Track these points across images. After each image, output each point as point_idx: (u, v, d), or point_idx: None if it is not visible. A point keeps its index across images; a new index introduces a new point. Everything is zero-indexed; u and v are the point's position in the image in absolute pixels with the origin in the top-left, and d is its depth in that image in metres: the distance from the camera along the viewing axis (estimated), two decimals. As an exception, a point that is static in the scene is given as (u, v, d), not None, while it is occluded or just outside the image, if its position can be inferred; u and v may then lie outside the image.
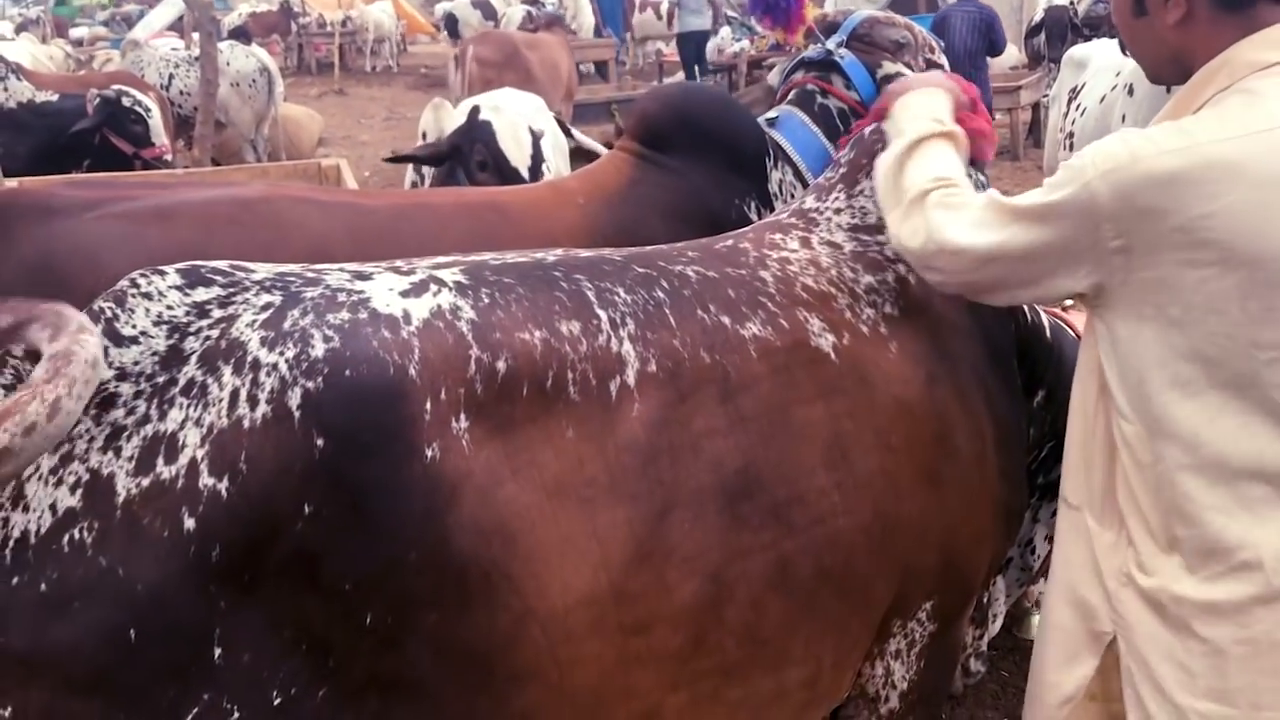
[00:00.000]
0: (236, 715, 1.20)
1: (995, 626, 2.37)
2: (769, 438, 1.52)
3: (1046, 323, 2.11)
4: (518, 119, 4.12)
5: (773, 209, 2.72)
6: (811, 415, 1.57)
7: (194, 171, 5.47)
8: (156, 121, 5.80)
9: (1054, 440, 2.10)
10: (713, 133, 2.73)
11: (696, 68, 12.41)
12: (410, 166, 4.60)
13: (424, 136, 4.36)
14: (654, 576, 1.39)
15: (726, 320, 1.57)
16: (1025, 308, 2.04)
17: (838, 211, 1.91)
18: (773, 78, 3.27)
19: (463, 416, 1.30)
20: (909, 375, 1.69)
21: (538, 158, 4.03)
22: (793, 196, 2.78)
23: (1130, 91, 4.56)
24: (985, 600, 2.24)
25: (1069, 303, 1.83)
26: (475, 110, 4.01)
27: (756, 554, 1.47)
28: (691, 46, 12.92)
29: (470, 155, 3.76)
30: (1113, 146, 1.40)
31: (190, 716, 1.18)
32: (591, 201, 2.61)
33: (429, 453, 1.27)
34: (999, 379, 1.86)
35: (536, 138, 4.13)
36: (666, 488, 1.41)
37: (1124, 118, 4.55)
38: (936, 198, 1.58)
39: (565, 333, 1.42)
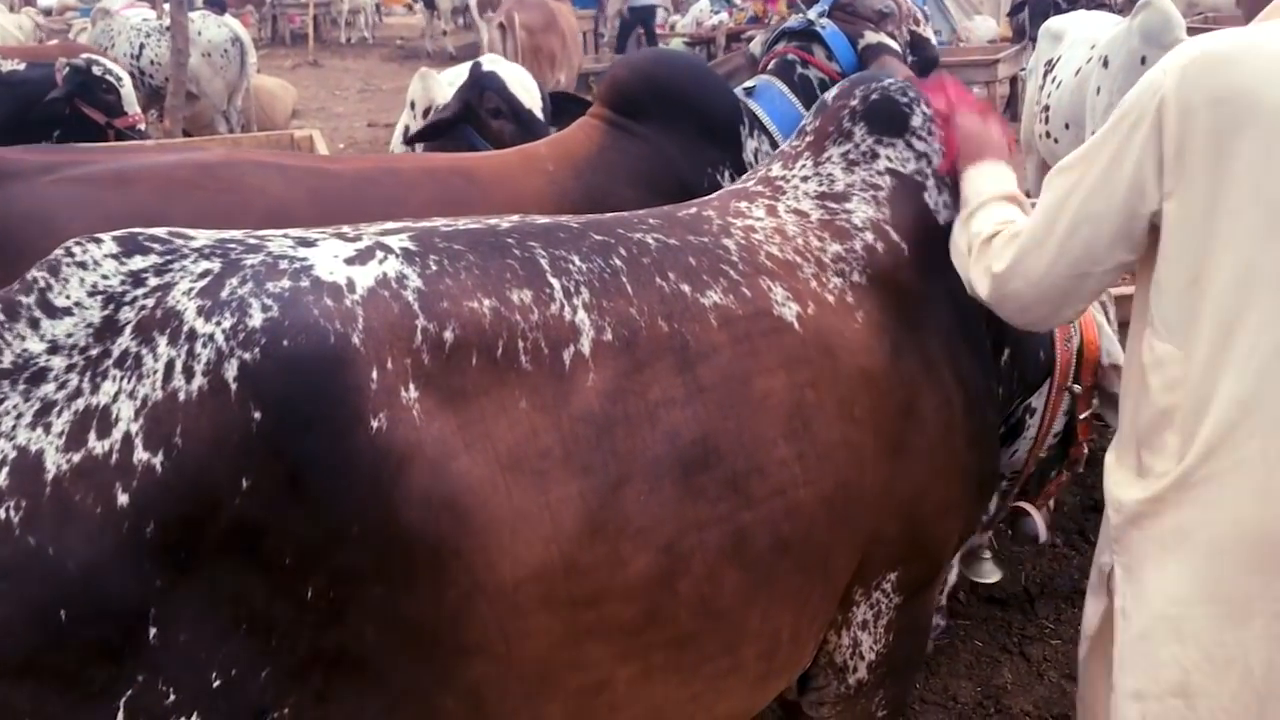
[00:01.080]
0: (173, 698, 1.17)
1: (951, 576, 2.39)
2: (728, 408, 1.49)
3: None
4: (519, 72, 4.06)
5: None
6: (772, 385, 1.55)
7: (165, 143, 5.39)
8: (129, 90, 5.70)
9: (1024, 396, 2.11)
10: (685, 100, 2.70)
11: (641, 38, 12.49)
12: (397, 137, 4.52)
13: (412, 106, 4.27)
14: (607, 549, 1.37)
15: (686, 288, 1.54)
16: None
17: (805, 179, 1.89)
18: (755, 48, 3.25)
19: (411, 387, 1.27)
20: (874, 345, 1.68)
21: (546, 109, 3.94)
22: None
23: (1105, 64, 4.55)
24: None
25: None
26: (476, 65, 3.94)
27: (713, 526, 1.45)
28: (636, 19, 13.06)
29: (481, 105, 3.62)
30: (1180, 48, 1.49)
31: (124, 699, 1.16)
32: (560, 168, 2.58)
33: (375, 424, 1.23)
34: (969, 347, 1.84)
35: (542, 93, 4.07)
36: (621, 459, 1.39)
37: (1099, 90, 4.55)
38: (998, 239, 1.67)
39: (516, 301, 1.39)
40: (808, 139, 1.96)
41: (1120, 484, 1.60)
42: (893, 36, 2.92)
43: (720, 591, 1.47)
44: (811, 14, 2.93)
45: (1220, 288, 1.43)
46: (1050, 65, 5.31)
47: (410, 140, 3.97)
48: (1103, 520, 1.70)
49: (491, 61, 4.04)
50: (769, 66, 2.99)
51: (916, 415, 1.71)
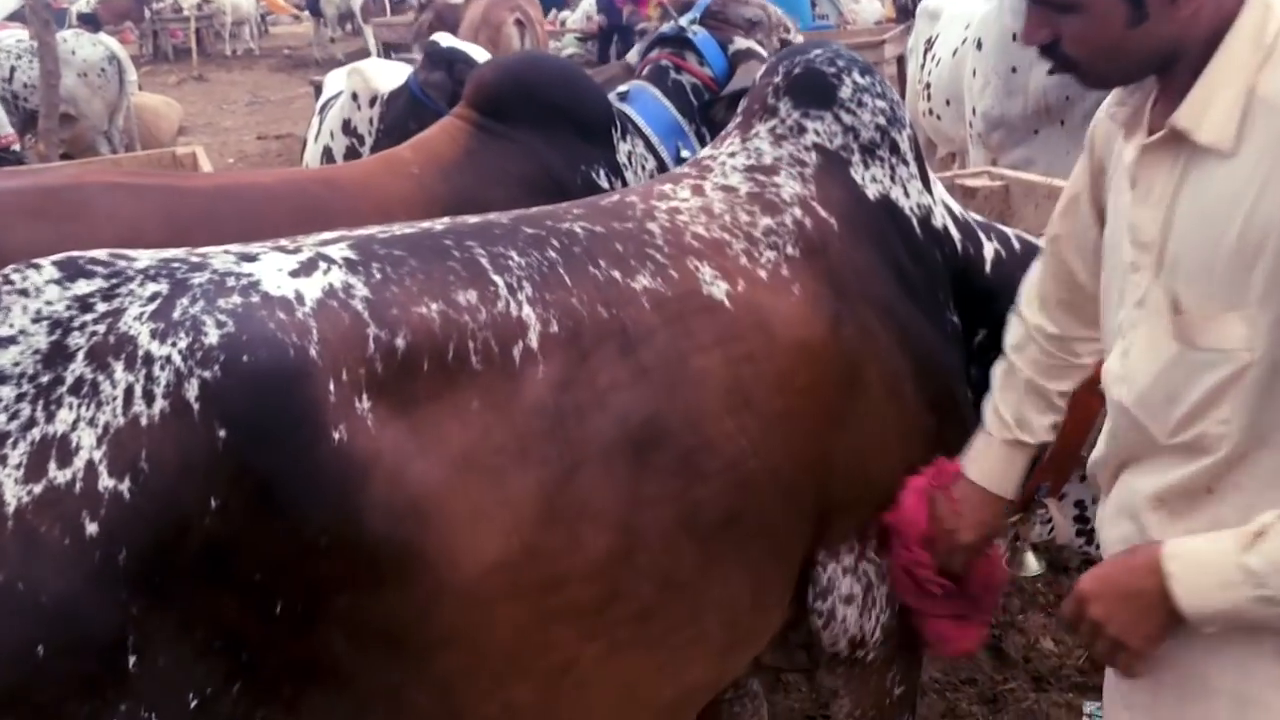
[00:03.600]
0: None
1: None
2: (671, 388, 1.53)
3: (989, 258, 2.05)
4: (478, 51, 4.06)
5: (624, 179, 2.74)
6: (709, 363, 1.58)
7: (39, 167, 5.25)
8: (1, 112, 5.52)
9: None
10: (553, 100, 2.72)
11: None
12: (309, 144, 4.47)
13: (355, 98, 4.22)
14: (567, 534, 1.41)
15: (617, 275, 1.57)
16: (960, 245, 2.01)
17: (732, 155, 1.89)
18: (632, 57, 3.33)
19: (365, 397, 1.29)
20: (811, 317, 1.70)
21: None
22: (643, 169, 2.82)
23: (979, 46, 4.71)
24: None
25: None
26: (432, 43, 3.94)
27: (667, 503, 1.49)
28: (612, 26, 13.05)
29: (453, 77, 3.62)
30: None
31: None
32: (427, 172, 2.57)
33: (336, 435, 1.25)
34: (918, 314, 1.85)
35: None
36: (575, 446, 1.42)
37: (974, 71, 4.72)
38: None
39: (463, 302, 1.41)
40: (736, 120, 1.97)
41: None
42: (762, 44, 3.03)
43: (679, 565, 1.51)
44: (684, 20, 3.03)
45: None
46: (929, 44, 5.48)
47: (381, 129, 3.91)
48: None
49: (445, 39, 4.05)
50: (643, 73, 3.08)
51: (860, 384, 1.72)
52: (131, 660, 1.15)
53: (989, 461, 1.70)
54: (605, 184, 2.70)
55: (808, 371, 1.67)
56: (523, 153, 2.65)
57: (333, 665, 1.27)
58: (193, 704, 1.19)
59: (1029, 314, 1.70)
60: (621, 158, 2.79)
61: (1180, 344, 1.31)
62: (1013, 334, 1.72)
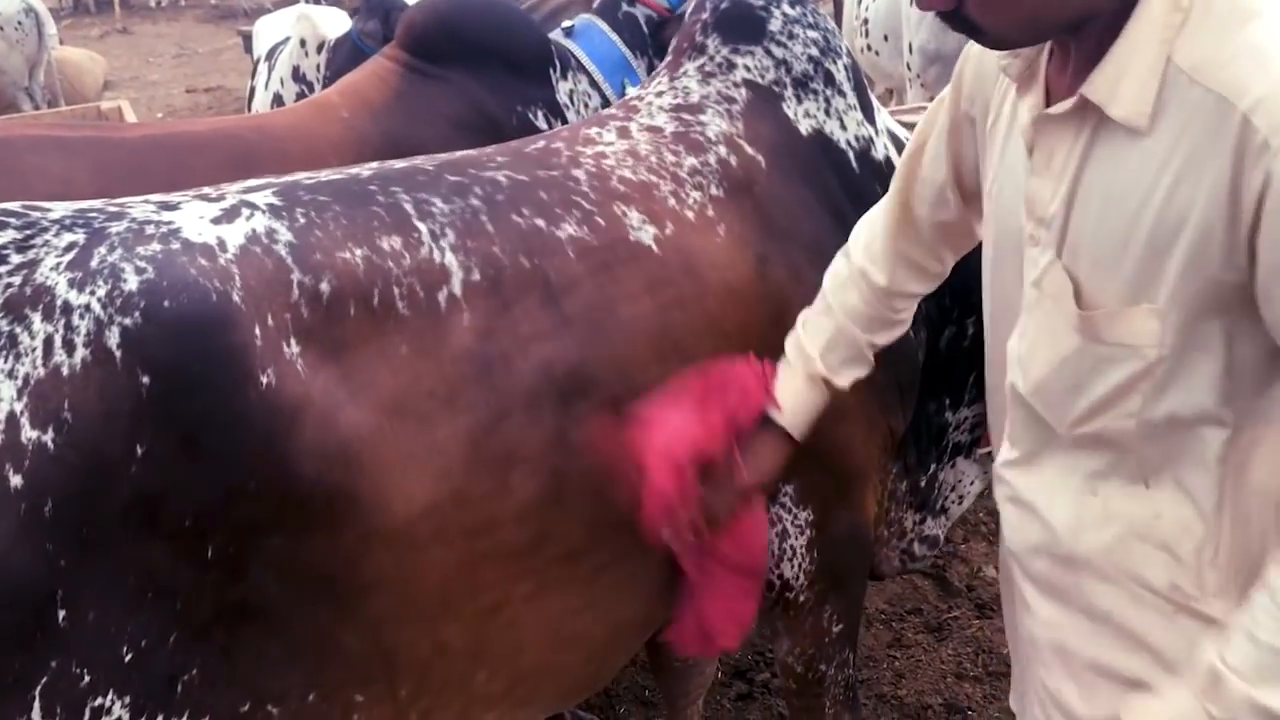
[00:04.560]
0: (87, 679, 1.16)
1: (945, 517, 2.25)
2: (596, 336, 1.53)
3: None
4: None
5: (563, 118, 2.72)
6: (638, 310, 1.58)
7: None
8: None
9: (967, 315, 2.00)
10: (484, 40, 2.68)
11: None
12: (258, 92, 4.38)
13: (303, 44, 4.13)
14: (495, 480, 1.41)
15: (541, 223, 1.57)
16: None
17: (659, 94, 1.87)
18: None
19: (293, 342, 1.29)
20: (737, 259, 1.69)
21: None
22: (586, 106, 2.78)
23: (917, -24, 4.72)
24: (927, 484, 2.17)
25: None
26: None
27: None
28: None
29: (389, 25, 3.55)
30: None
31: (39, 688, 1.13)
32: (356, 115, 2.55)
33: (263, 380, 1.25)
34: None
35: None
36: (501, 394, 1.43)
37: (911, 4, 4.73)
38: None
39: (387, 248, 1.41)
40: (667, 60, 1.94)
41: None
42: None
43: (607, 507, 1.52)
44: None
45: None
46: (867, -20, 5.48)
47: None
48: None
49: None
50: (594, 6, 3.02)
51: (788, 324, 1.66)
52: (61, 614, 1.14)
53: (785, 394, 1.56)
54: (543, 124, 2.67)
55: (735, 315, 1.67)
56: (454, 93, 2.61)
57: (265, 608, 1.27)
58: (127, 657, 1.18)
59: (857, 257, 1.57)
60: (562, 96, 2.75)
61: (1084, 337, 1.21)
62: (835, 274, 1.59)
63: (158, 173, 2.12)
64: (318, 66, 4.05)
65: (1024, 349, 1.30)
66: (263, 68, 4.55)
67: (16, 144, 2.17)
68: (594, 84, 2.80)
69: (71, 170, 2.13)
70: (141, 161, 2.22)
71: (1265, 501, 1.20)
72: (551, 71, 2.76)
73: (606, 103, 2.79)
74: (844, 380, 1.57)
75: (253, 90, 4.58)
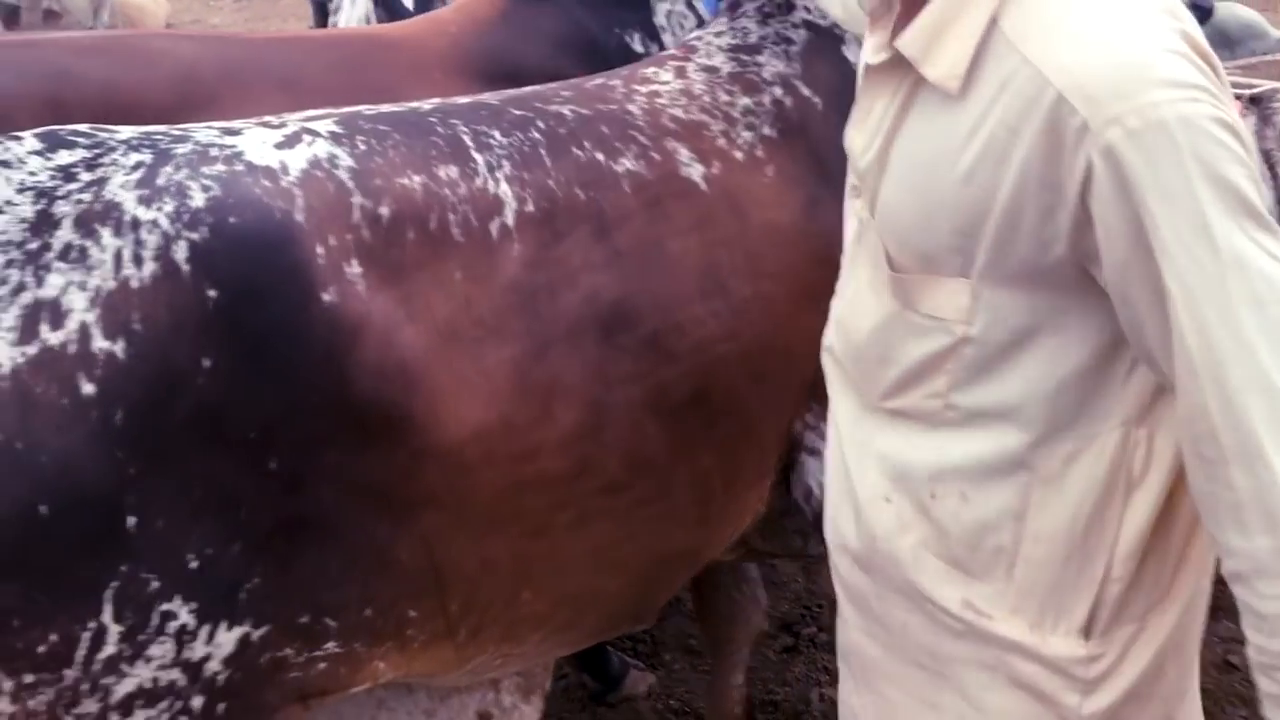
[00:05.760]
0: (156, 584, 1.20)
1: None
2: (644, 270, 1.55)
3: None
4: None
5: (661, 43, 2.72)
6: (685, 246, 1.60)
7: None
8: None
9: None
10: None
11: None
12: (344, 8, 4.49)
13: None
14: (539, 408, 1.44)
15: (600, 157, 1.59)
16: None
17: (719, 34, 1.87)
18: None
19: (355, 262, 1.32)
20: (786, 200, 1.70)
21: None
22: (682, 28, 2.77)
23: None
24: None
25: None
26: None
27: (635, 382, 1.52)
28: None
29: None
30: None
31: (110, 590, 1.18)
32: (463, 30, 2.62)
33: (326, 297, 1.28)
34: None
35: None
36: (546, 323, 1.46)
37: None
38: None
39: (444, 176, 1.44)
40: (729, 1, 1.94)
41: None
42: None
43: (646, 442, 1.55)
44: None
45: None
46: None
47: None
48: None
49: None
50: None
51: (833, 268, 1.64)
52: (131, 521, 1.18)
53: None
54: (639, 47, 2.70)
55: (779, 255, 1.67)
56: (558, 13, 2.67)
57: (323, 521, 1.31)
58: (192, 565, 1.23)
59: None
60: (660, 19, 2.77)
61: (898, 301, 1.14)
62: None
63: (275, 69, 2.24)
64: None
65: (844, 309, 1.26)
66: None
67: (148, 35, 2.35)
68: (690, 5, 2.81)
69: (197, 56, 2.25)
70: (259, 56, 2.33)
71: (1076, 516, 1.11)
72: None
73: (701, 23, 2.77)
74: None
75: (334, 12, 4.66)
